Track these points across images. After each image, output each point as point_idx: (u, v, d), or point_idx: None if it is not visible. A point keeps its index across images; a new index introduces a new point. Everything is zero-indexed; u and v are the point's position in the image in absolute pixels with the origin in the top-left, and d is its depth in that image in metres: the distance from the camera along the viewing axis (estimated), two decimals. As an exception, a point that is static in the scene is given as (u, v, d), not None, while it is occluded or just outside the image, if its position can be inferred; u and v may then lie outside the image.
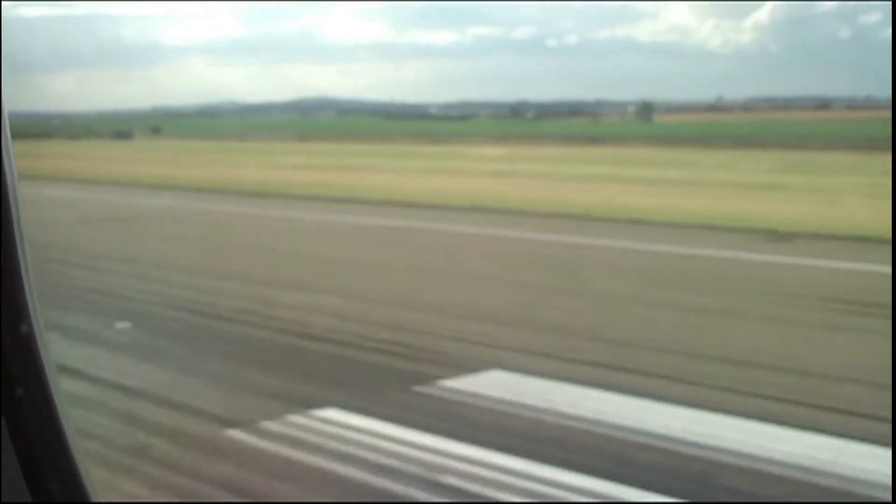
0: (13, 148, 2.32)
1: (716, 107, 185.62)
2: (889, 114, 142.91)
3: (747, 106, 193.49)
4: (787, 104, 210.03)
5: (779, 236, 19.86)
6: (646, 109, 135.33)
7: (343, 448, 9.30)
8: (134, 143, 74.69)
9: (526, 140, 74.39)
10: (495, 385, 10.98)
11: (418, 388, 10.64)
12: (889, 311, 11.92)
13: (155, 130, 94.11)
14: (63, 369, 8.37)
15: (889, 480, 5.97)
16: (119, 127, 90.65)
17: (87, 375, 11.69)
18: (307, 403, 10.55)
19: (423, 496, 8.47)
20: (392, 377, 11.51)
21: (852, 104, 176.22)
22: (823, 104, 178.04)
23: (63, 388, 2.01)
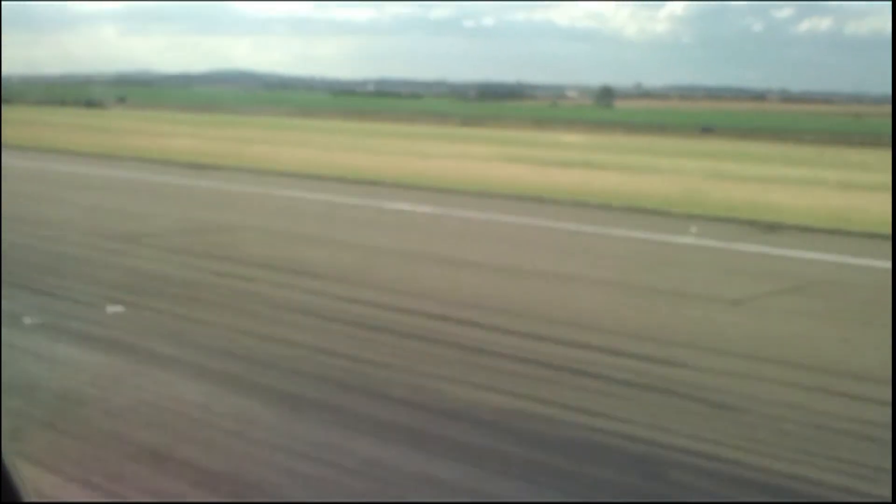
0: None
1: (650, 93, 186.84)
2: (814, 108, 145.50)
3: (656, 94, 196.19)
4: (708, 94, 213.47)
5: None
6: (606, 95, 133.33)
7: None
8: (117, 112, 67.06)
9: (528, 124, 70.33)
10: None
11: None
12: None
13: (121, 99, 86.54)
14: None
15: None
16: (89, 95, 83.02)
17: None
18: None
19: None
20: None
21: (786, 97, 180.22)
22: (759, 96, 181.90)
23: None
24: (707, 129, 52.94)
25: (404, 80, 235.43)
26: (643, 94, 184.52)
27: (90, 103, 77.01)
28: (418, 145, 34.42)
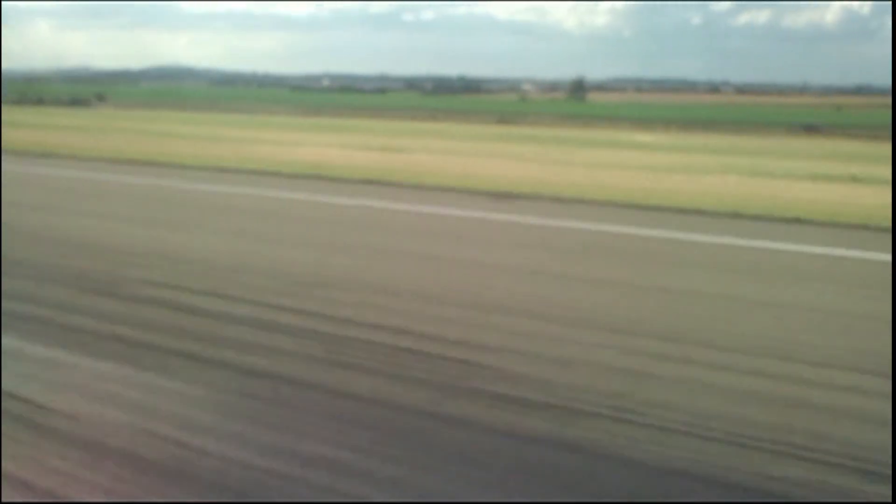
0: None
1: (605, 86, 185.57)
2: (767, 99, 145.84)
3: (606, 86, 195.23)
4: (655, 86, 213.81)
5: None
6: (578, 88, 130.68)
7: None
8: (122, 113, 60.90)
9: (558, 121, 66.94)
10: None
11: None
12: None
13: (100, 97, 79.73)
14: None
15: None
16: (74, 93, 76.00)
17: None
18: None
19: None
20: None
21: (741, 89, 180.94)
22: (713, 88, 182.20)
23: None
24: (811, 128, 50.12)
25: (346, 74, 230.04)
26: (597, 87, 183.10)
27: (76, 102, 70.74)
28: (578, 153, 30.68)
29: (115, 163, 22.06)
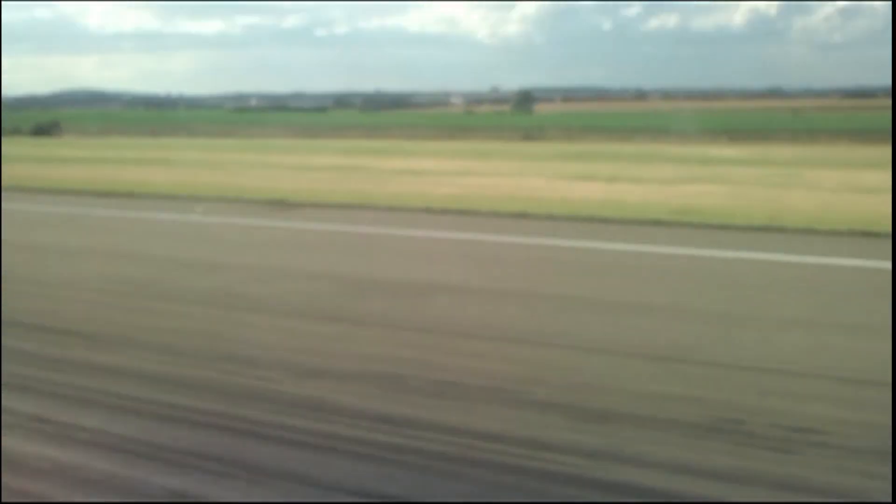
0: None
1: (533, 96, 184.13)
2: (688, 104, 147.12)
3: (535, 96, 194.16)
4: (575, 95, 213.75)
5: None
6: (525, 100, 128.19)
7: None
8: (114, 141, 54.50)
9: (559, 135, 64.14)
10: None
11: None
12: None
13: (54, 125, 71.93)
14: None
15: None
16: (36, 120, 68.15)
17: None
18: None
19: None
20: None
21: (667, 95, 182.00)
22: (640, 95, 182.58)
23: None
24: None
25: (261, 93, 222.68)
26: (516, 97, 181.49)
27: (40, 130, 63.96)
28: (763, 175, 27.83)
29: (380, 210, 17.78)
